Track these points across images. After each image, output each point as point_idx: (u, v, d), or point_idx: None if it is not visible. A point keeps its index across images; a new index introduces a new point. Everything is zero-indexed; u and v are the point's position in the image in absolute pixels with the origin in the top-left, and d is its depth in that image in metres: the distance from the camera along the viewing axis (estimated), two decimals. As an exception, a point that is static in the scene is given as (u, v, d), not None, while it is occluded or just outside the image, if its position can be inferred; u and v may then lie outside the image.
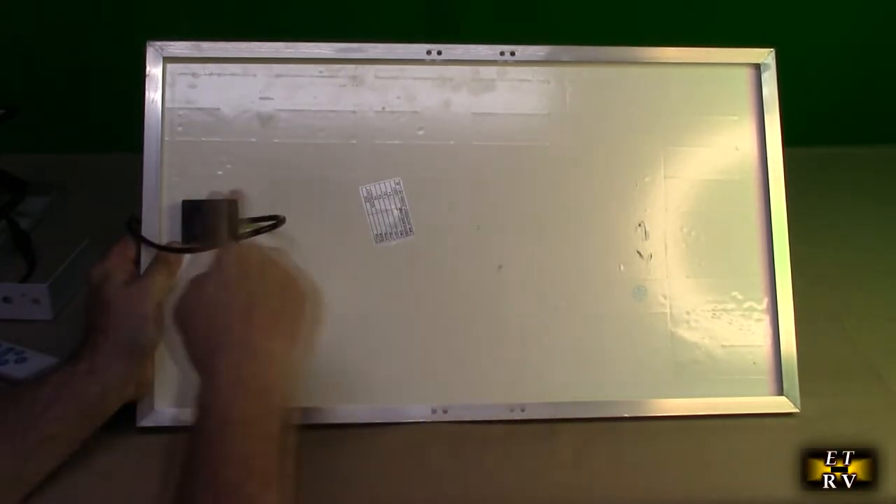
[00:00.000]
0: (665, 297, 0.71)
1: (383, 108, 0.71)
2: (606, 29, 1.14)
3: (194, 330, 0.55)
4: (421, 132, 0.71)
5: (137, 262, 0.66)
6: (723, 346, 0.71)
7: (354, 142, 0.70)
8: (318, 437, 0.65)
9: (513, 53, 0.72)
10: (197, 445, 0.49)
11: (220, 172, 0.69)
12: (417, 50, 0.71)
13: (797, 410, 0.69)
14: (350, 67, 0.71)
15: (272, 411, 0.51)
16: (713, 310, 0.71)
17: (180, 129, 0.69)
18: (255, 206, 0.68)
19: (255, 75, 0.70)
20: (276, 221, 0.67)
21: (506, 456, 0.65)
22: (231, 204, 0.68)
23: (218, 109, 0.70)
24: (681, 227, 0.72)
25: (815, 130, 1.08)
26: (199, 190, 0.68)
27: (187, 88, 0.69)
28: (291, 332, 0.56)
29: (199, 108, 0.69)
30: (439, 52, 0.71)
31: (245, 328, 0.54)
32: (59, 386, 0.58)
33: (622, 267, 0.71)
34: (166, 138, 0.69)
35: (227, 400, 0.51)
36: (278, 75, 0.70)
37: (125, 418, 0.64)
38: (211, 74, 0.70)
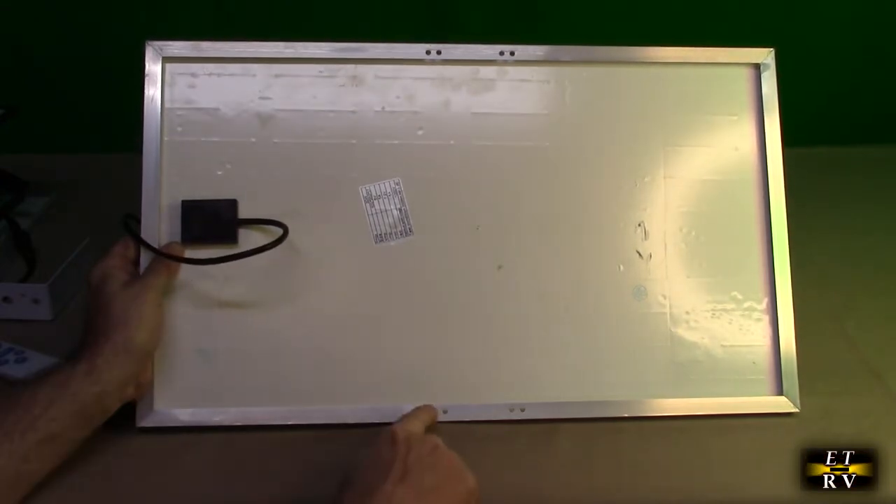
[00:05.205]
0: (665, 297, 0.71)
1: (383, 107, 0.71)
2: (606, 29, 1.14)
3: None
4: (421, 132, 0.71)
5: (137, 262, 0.66)
6: (722, 346, 0.71)
7: (354, 142, 0.70)
8: (319, 436, 0.65)
9: (512, 53, 0.72)
10: None
11: (219, 172, 0.69)
12: (417, 50, 0.71)
13: (797, 410, 0.69)
14: (349, 67, 0.71)
15: None
16: (713, 310, 0.71)
17: (180, 129, 0.69)
18: (254, 207, 0.68)
19: (254, 75, 0.70)
20: (282, 234, 0.66)
21: (506, 456, 0.65)
22: (230, 204, 0.68)
23: (217, 109, 0.70)
24: (680, 227, 0.72)
25: (815, 130, 1.08)
26: (198, 190, 0.68)
27: (187, 88, 0.69)
28: None
29: (199, 108, 0.69)
30: (439, 52, 0.71)
31: None
32: (59, 386, 0.58)
33: (622, 267, 0.71)
34: (166, 138, 0.69)
35: None
36: (278, 75, 0.70)
37: (125, 418, 0.64)
38: (210, 74, 0.70)
